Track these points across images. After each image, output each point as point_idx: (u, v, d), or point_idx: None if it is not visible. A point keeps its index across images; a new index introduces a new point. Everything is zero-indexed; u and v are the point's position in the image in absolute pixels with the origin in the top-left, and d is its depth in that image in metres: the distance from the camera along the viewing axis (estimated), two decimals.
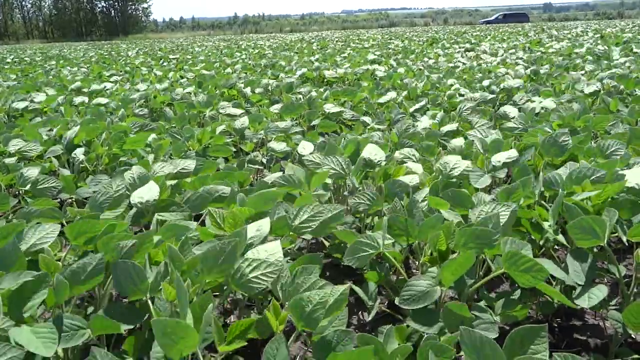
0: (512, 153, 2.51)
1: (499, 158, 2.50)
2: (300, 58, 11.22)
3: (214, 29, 61.18)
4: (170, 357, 1.16)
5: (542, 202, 2.12)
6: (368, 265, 1.85)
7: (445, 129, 3.38)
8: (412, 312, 1.52)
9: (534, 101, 4.24)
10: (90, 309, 1.81)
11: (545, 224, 1.88)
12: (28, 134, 3.66)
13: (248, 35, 42.85)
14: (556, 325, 1.82)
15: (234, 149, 3.58)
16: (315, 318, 1.29)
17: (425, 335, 1.41)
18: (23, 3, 62.13)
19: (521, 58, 8.59)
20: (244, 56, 12.91)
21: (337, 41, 19.55)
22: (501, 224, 1.62)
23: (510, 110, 3.95)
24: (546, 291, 1.54)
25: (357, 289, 1.76)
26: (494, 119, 3.94)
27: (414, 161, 2.71)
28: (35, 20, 62.42)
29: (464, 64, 7.94)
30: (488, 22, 48.71)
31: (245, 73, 7.90)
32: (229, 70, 8.45)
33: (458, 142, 2.85)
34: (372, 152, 2.58)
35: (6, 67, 12.63)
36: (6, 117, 4.97)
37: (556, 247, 2.30)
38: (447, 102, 4.65)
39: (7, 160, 3.07)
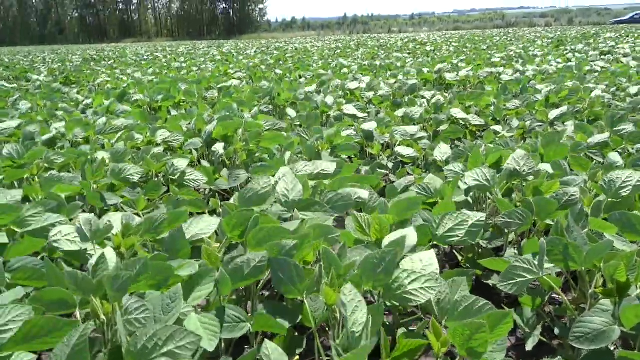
0: None
1: None
2: (415, 59, 10.98)
3: (323, 29, 62.43)
4: None
5: None
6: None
7: (595, 140, 3.06)
8: (585, 353, 1.37)
9: None
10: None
11: None
12: (171, 126, 3.97)
13: (357, 35, 43.08)
14: None
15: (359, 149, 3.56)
16: (480, 346, 1.20)
17: None
18: (156, 5, 68.59)
19: None
20: (357, 56, 12.96)
21: (451, 42, 18.88)
22: None
23: None
24: None
25: (514, 313, 1.62)
26: None
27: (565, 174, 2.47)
28: (164, 20, 68.57)
29: (603, 67, 7.20)
30: (620, 22, 43.88)
31: (361, 74, 7.90)
32: (345, 70, 8.52)
33: (615, 156, 2.55)
34: (520, 161, 2.40)
35: (143, 62, 13.96)
36: (149, 108, 5.46)
37: None
38: (589, 110, 4.22)
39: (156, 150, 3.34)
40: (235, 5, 66.30)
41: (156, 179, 3.10)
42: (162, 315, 1.39)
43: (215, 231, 1.89)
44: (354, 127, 3.81)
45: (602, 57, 9.45)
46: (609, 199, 2.05)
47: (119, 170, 2.81)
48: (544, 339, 1.69)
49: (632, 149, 3.06)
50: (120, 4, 66.16)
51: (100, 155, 3.16)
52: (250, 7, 67.28)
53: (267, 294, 2.10)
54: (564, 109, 3.88)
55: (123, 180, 2.82)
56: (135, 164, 2.99)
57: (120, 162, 3.06)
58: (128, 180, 2.82)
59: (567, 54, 10.46)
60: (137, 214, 2.45)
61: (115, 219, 1.98)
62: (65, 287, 1.43)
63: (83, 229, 1.73)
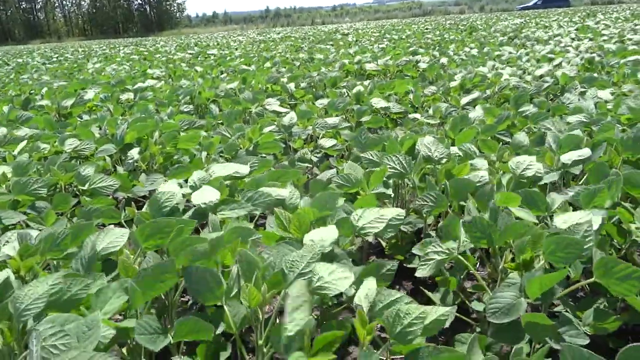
0: (584, 152, 2.36)
1: (570, 156, 2.35)
2: (337, 50, 11.10)
3: (246, 23, 61.53)
4: None
5: (623, 202, 1.98)
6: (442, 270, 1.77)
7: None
8: (494, 326, 1.44)
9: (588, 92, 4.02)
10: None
11: (632, 226, 1.75)
12: (81, 133, 3.72)
13: (280, 28, 42.87)
14: None
15: (283, 146, 3.54)
16: (412, 333, 1.22)
17: (514, 350, 1.32)
18: (64, 2, 64.20)
19: (570, 45, 8.21)
20: (280, 50, 12.89)
21: (371, 32, 19.28)
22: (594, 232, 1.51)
23: (568, 101, 3.76)
24: (634, 304, 1.42)
25: (430, 294, 1.68)
26: (551, 111, 3.76)
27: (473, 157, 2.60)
28: (75, 18, 64.42)
29: (510, 53, 7.65)
30: (526, 8, 47.00)
31: (285, 67, 7.86)
32: (268, 64, 8.43)
33: (521, 137, 2.71)
34: (431, 147, 2.48)
35: (51, 66, 13.02)
36: (57, 115, 5.09)
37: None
38: (500, 94, 4.47)
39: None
40: (152, 0, 63.61)
41: (66, 191, 2.90)
42: (76, 342, 1.30)
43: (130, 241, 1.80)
44: (276, 123, 3.77)
45: (510, 42, 10.04)
46: (516, 179, 2.17)
47: (22, 184, 2.59)
48: (462, 316, 1.77)
49: (535, 128, 3.27)
50: (24, 3, 61.27)
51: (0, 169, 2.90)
52: (168, 2, 64.84)
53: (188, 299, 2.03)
54: (475, 94, 4.07)
55: (28, 195, 2.61)
56: (41, 176, 2.77)
57: (23, 175, 2.82)
58: (33, 194, 2.61)
59: (479, 40, 11.01)
60: None
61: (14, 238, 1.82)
62: None
63: None
